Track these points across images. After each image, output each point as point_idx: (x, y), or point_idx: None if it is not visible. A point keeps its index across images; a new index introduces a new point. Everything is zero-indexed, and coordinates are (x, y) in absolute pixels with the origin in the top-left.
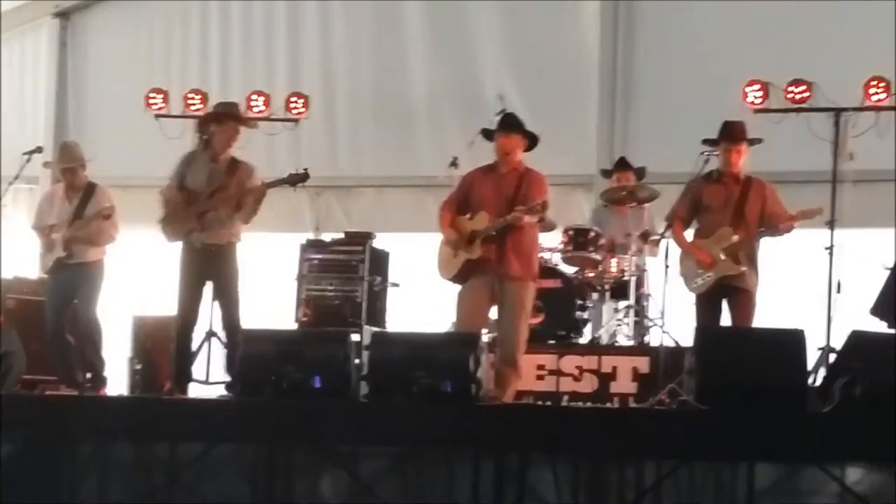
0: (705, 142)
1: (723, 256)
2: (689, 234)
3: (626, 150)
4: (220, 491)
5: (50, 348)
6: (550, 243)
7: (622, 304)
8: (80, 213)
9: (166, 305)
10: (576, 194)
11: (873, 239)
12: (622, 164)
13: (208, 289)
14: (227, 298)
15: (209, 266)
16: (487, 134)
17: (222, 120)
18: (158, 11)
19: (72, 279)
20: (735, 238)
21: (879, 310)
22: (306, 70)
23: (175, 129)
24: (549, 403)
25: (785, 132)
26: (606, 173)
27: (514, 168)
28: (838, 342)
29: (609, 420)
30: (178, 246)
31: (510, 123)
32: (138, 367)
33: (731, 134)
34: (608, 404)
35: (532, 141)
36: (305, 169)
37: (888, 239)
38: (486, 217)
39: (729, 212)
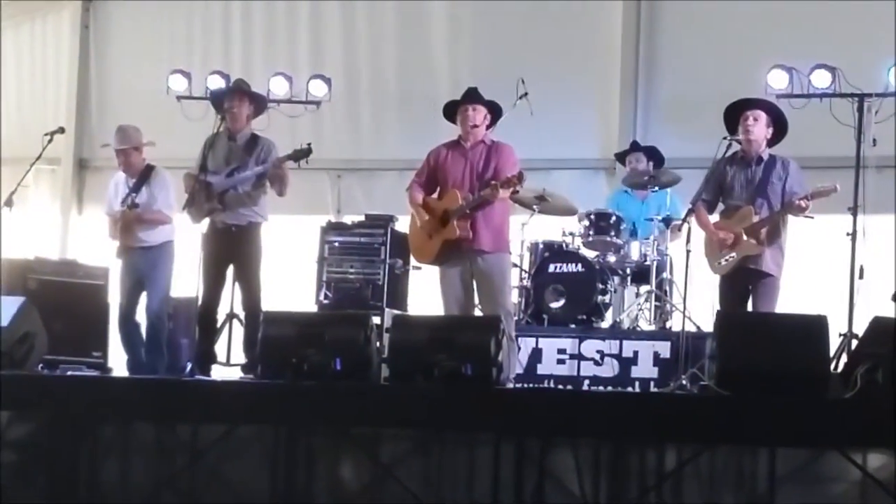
0: (727, 119)
1: (745, 236)
2: (714, 218)
3: (647, 136)
4: (242, 472)
5: (119, 330)
6: (572, 227)
7: (643, 288)
8: (128, 198)
9: (189, 287)
10: (598, 179)
11: None
12: (634, 147)
13: (231, 270)
14: (248, 280)
15: (231, 247)
16: (450, 110)
17: (230, 96)
18: None
19: (137, 263)
20: (755, 217)
21: None
22: (329, 52)
23: (197, 111)
24: (569, 388)
25: (808, 118)
26: (620, 157)
27: (480, 141)
28: (860, 328)
29: (630, 405)
30: (201, 228)
31: (474, 94)
32: None
33: (746, 101)
34: (629, 389)
35: (495, 114)
36: (309, 144)
37: None
38: (458, 195)
39: (751, 192)
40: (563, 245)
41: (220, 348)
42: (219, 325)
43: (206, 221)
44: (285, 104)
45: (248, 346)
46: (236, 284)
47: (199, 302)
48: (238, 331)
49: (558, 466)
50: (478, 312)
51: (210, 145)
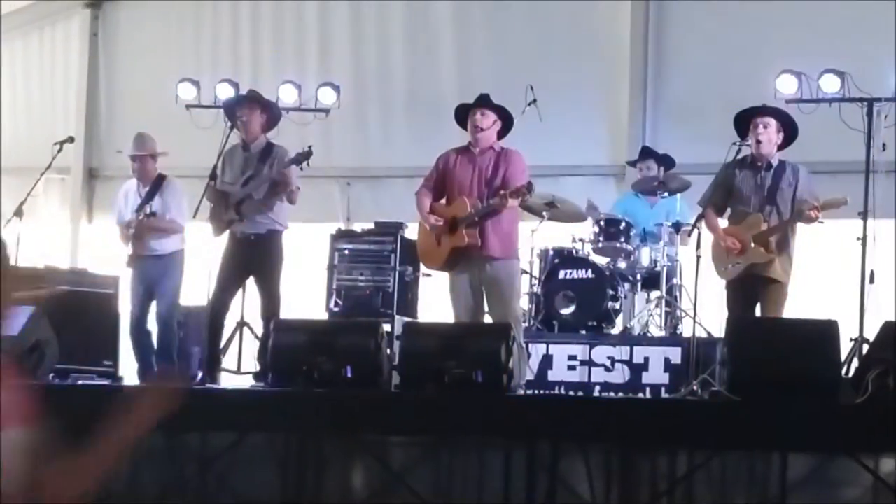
0: (737, 124)
1: (753, 244)
2: (723, 222)
3: (657, 141)
4: (252, 481)
5: (130, 338)
6: (582, 234)
7: (654, 294)
8: (144, 207)
9: (201, 296)
10: (608, 185)
11: None
12: (645, 153)
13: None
14: (269, 289)
15: (251, 257)
16: (461, 114)
17: (242, 105)
18: (190, 1)
19: (148, 272)
20: (765, 226)
21: None
22: (337, 60)
23: (206, 120)
24: (580, 394)
25: (817, 122)
26: (632, 163)
27: (490, 147)
28: (871, 333)
29: (641, 411)
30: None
31: (485, 100)
32: None
33: (756, 108)
34: (640, 395)
35: (506, 122)
36: (310, 146)
37: None
38: (467, 202)
39: (760, 198)
40: (573, 251)
41: (230, 357)
42: (225, 331)
43: (227, 234)
44: (294, 112)
45: (262, 354)
46: (249, 293)
47: (208, 309)
48: (248, 339)
49: (569, 472)
50: (487, 319)
51: (225, 157)
